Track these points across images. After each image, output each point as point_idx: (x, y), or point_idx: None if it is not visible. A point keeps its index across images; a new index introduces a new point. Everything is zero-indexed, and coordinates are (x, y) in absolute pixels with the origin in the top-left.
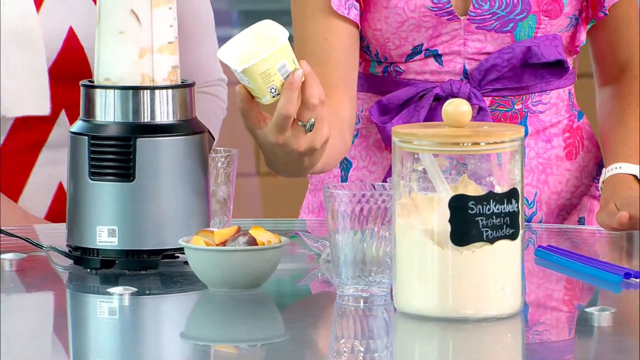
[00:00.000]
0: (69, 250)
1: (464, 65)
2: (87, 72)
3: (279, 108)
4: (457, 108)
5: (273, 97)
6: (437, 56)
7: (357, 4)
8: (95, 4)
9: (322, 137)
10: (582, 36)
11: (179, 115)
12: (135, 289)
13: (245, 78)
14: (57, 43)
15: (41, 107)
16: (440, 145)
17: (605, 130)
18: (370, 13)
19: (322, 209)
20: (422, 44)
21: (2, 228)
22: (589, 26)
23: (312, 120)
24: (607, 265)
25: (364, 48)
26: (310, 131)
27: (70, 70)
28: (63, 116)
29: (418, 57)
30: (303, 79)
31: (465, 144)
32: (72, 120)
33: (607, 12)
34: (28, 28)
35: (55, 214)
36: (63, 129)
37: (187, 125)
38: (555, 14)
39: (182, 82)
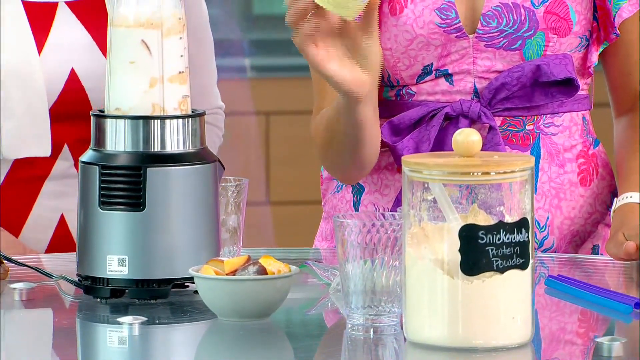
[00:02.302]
0: (79, 280)
1: (474, 84)
2: (89, 111)
3: None
4: (467, 137)
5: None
6: (448, 76)
7: None
8: (97, 44)
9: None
10: (594, 57)
11: (190, 145)
12: (145, 319)
13: None
14: (59, 84)
15: (42, 149)
16: (450, 175)
17: (619, 161)
18: (380, 33)
19: None
20: (432, 64)
21: (12, 257)
22: (601, 48)
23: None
24: (617, 295)
25: None
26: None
27: (72, 110)
28: (66, 151)
29: (429, 77)
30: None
31: (475, 174)
32: (75, 155)
33: (618, 33)
34: (29, 71)
35: (57, 246)
36: (66, 162)
37: (197, 155)
38: (564, 32)
39: (192, 112)
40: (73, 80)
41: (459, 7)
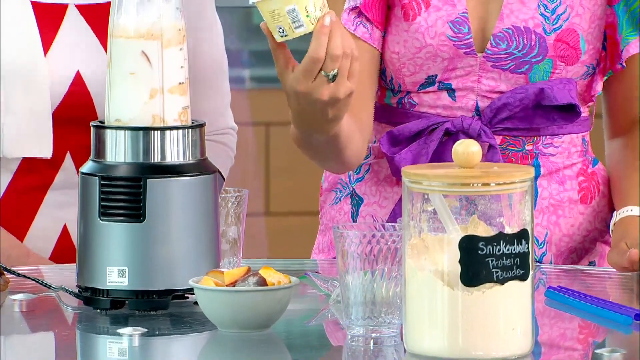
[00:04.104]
0: (79, 291)
1: (477, 102)
2: (93, 117)
3: (310, 52)
4: (467, 148)
5: (281, 36)
6: (451, 90)
7: (368, 24)
8: (105, 49)
9: (345, 87)
10: (599, 86)
11: (190, 156)
12: (145, 330)
13: (260, 13)
14: (64, 87)
15: (43, 150)
16: (450, 186)
17: (616, 178)
18: (391, 35)
19: (332, 249)
20: (436, 75)
21: (12, 269)
22: (606, 77)
23: (335, 70)
24: (617, 306)
25: (381, 73)
26: (333, 81)
27: (76, 114)
28: (68, 159)
29: (431, 88)
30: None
31: (475, 185)
32: (77, 163)
33: (624, 64)
34: (34, 71)
35: (60, 255)
36: (69, 172)
37: (197, 166)
38: (572, 61)
39: (192, 123)
40: (78, 83)
41: (471, 25)
